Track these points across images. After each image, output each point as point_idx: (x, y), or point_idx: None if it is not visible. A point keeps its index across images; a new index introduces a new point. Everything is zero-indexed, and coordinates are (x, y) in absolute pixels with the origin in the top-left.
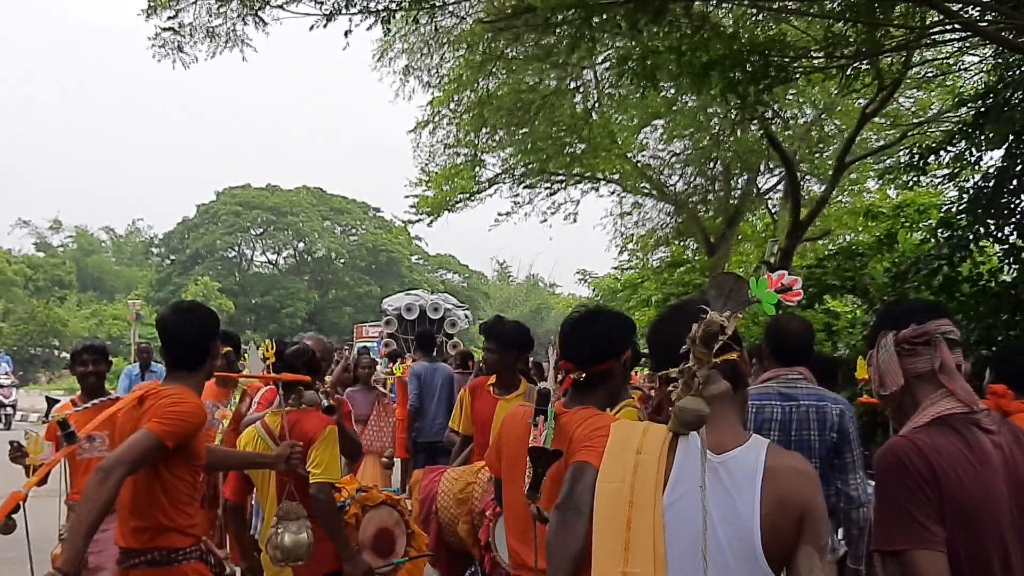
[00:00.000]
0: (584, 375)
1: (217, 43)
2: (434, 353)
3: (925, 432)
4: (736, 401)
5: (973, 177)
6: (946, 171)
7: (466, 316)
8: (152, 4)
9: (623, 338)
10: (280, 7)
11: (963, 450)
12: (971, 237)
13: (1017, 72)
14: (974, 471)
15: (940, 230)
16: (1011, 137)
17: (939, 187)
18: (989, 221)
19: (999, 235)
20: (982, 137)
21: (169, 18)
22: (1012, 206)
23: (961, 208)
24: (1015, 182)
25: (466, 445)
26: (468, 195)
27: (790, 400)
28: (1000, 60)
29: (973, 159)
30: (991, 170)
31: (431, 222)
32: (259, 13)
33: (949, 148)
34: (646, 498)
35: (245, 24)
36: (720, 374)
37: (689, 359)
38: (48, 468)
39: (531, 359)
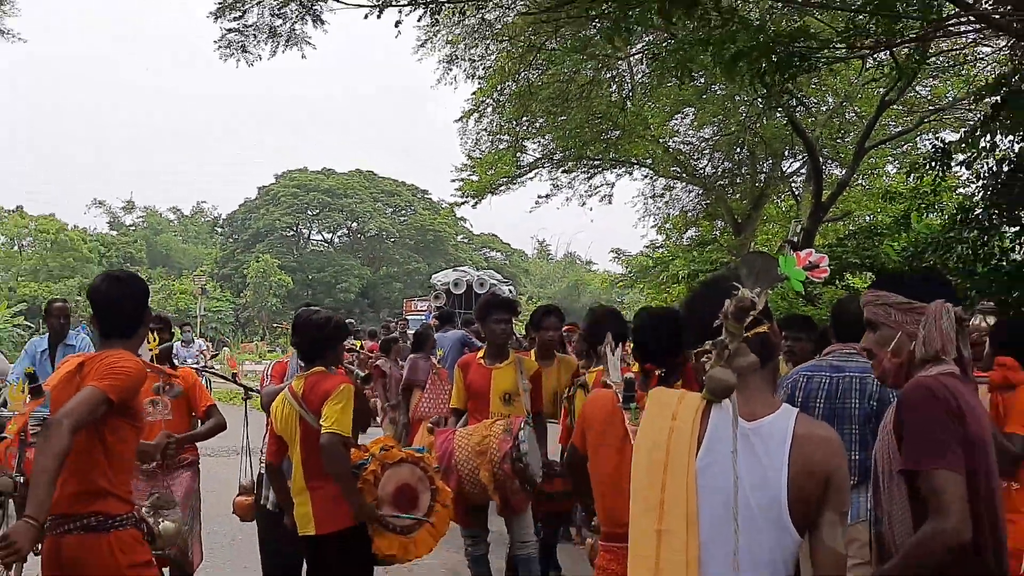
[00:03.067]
0: (664, 371)
1: (278, 42)
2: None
3: (946, 377)
4: (767, 372)
5: (988, 162)
6: (963, 156)
7: (510, 291)
8: (220, 6)
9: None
10: None
11: (971, 394)
12: (990, 222)
13: None
14: (982, 412)
15: (958, 215)
16: None
17: (957, 172)
18: (1005, 206)
19: (1013, 216)
20: (999, 125)
21: (235, 19)
22: None
23: (980, 195)
24: None
25: (460, 416)
26: (510, 179)
27: (839, 371)
28: (1015, 51)
29: (989, 145)
30: (1008, 155)
31: (475, 204)
32: (316, 10)
33: (971, 140)
34: (680, 462)
35: (304, 23)
36: (750, 346)
37: (722, 333)
38: (22, 421)
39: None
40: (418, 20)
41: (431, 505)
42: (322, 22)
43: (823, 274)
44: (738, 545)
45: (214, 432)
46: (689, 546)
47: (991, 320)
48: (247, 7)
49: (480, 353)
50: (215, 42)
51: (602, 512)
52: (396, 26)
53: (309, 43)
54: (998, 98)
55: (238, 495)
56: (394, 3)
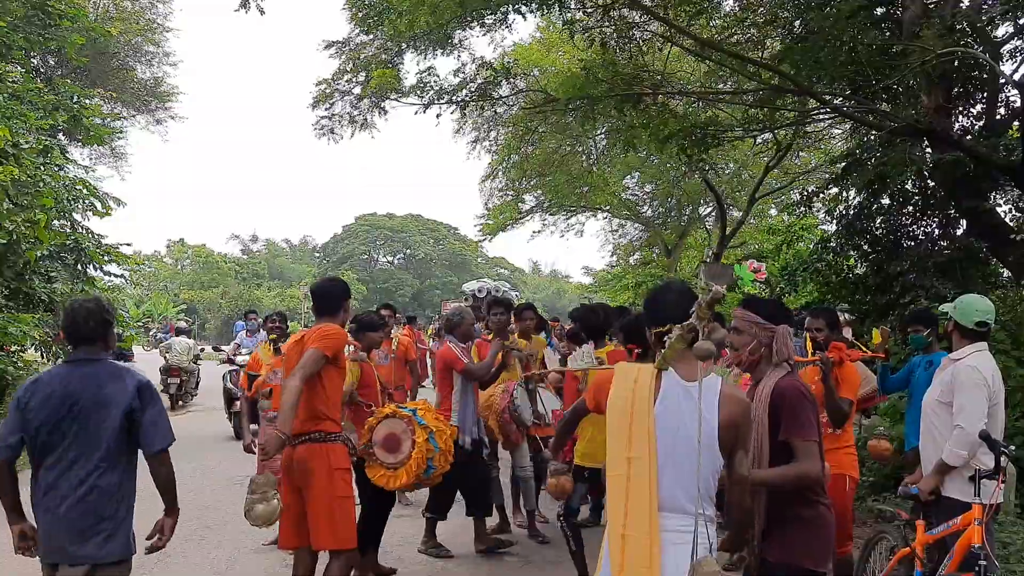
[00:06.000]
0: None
1: (355, 126)
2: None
3: (796, 379)
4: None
5: (839, 207)
6: (821, 205)
7: (516, 295)
8: (315, 99)
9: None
10: (396, 100)
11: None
12: (841, 248)
13: (867, 139)
14: (815, 398)
15: (820, 244)
16: (866, 182)
17: (816, 214)
18: (851, 238)
19: (855, 244)
20: (847, 183)
21: (326, 108)
22: (865, 226)
23: (834, 231)
24: (867, 211)
25: None
26: (513, 221)
27: None
28: (856, 132)
29: (844, 199)
30: (852, 204)
31: (491, 240)
32: (382, 105)
33: (825, 192)
34: (643, 409)
35: (372, 115)
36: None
37: (690, 319)
38: (271, 367)
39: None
40: (451, 113)
41: (410, 451)
42: (384, 112)
43: (762, 276)
44: (700, 461)
45: None
46: (651, 465)
47: (847, 316)
48: (334, 100)
49: (491, 336)
50: (312, 125)
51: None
52: (436, 118)
53: (376, 128)
54: (846, 163)
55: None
56: (435, 103)
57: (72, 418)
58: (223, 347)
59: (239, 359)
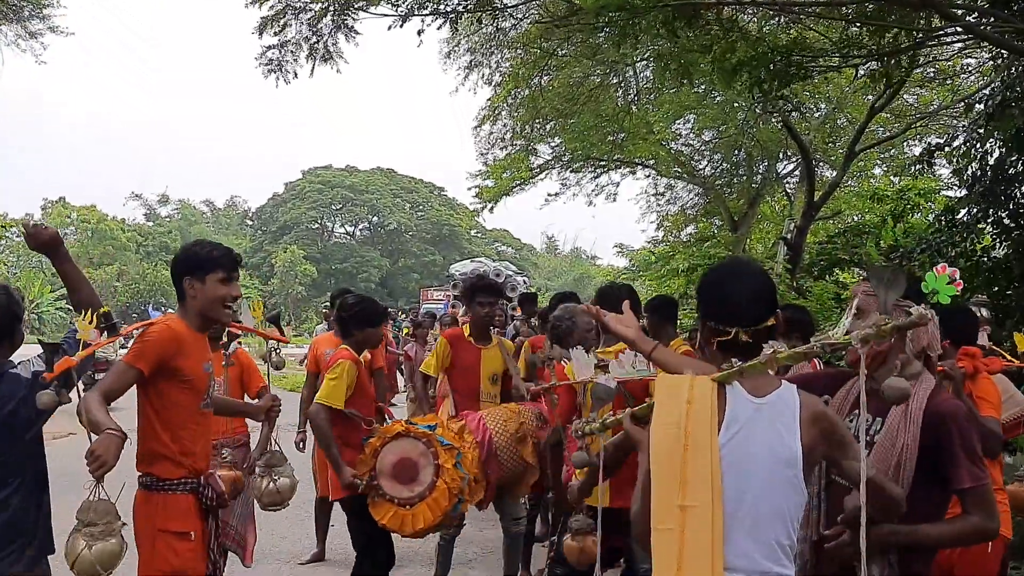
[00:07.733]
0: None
1: (315, 59)
2: None
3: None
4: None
5: (971, 166)
6: (946, 159)
7: (524, 281)
8: (263, 20)
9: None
10: (362, 8)
11: None
12: (974, 221)
13: (1013, 70)
14: None
15: (944, 216)
16: (1012, 131)
17: (939, 174)
18: (987, 207)
19: (994, 217)
20: (989, 133)
21: (275, 33)
22: (1008, 192)
23: (962, 197)
24: (1011, 171)
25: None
26: (522, 181)
27: None
28: (999, 61)
29: (979, 154)
30: (990, 161)
31: (492, 208)
32: (348, 22)
33: (952, 145)
34: (702, 441)
35: (335, 41)
36: (764, 334)
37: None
38: (92, 349)
39: None
40: (438, 29)
41: (433, 480)
42: (356, 33)
43: (959, 287)
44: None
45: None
46: (715, 519)
47: (985, 312)
48: (286, 18)
49: (467, 330)
50: (255, 59)
51: None
52: (418, 35)
53: (342, 58)
54: (983, 107)
55: None
56: (416, 13)
57: None
58: None
59: None
